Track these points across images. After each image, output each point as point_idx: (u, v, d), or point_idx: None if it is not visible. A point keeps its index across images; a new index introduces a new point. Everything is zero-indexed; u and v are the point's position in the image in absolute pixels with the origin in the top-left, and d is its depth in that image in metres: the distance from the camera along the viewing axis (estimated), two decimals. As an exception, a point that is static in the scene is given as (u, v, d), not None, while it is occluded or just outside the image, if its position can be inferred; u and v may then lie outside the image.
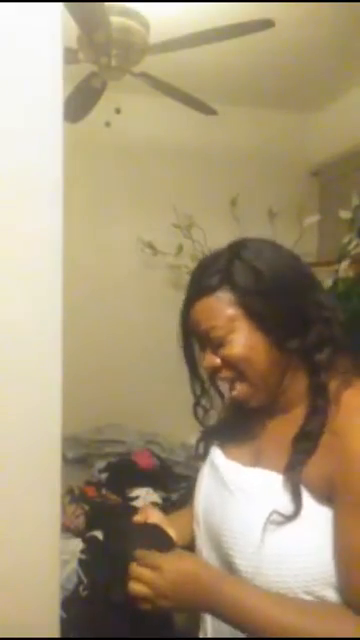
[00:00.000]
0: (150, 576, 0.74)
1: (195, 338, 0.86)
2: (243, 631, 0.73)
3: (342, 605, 0.71)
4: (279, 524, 0.72)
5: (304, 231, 2.79)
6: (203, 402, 0.92)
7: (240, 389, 0.81)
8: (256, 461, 0.81)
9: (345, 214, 2.59)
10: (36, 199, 0.77)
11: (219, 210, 2.87)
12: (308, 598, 0.72)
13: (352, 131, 2.70)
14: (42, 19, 0.75)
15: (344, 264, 2.52)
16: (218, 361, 0.81)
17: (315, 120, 3.08)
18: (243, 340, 0.77)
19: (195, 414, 0.94)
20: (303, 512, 0.72)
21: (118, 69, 1.87)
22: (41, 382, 0.78)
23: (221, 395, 0.92)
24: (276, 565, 0.72)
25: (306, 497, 0.73)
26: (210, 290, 0.79)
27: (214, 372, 0.84)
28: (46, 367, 0.79)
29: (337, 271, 2.53)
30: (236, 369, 0.79)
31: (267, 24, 1.69)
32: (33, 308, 0.77)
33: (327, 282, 2.47)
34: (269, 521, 0.72)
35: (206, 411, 0.93)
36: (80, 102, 2.07)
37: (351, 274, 2.53)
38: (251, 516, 0.75)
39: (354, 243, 2.55)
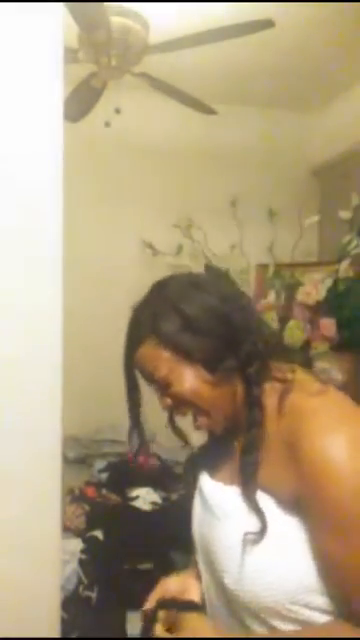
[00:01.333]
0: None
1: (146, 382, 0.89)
2: None
3: (338, 623, 0.72)
4: (254, 542, 0.73)
5: (304, 231, 2.79)
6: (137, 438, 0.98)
7: (201, 420, 0.85)
8: (232, 479, 0.82)
9: (345, 214, 2.59)
10: (36, 198, 0.77)
11: (219, 210, 2.86)
12: (294, 607, 0.73)
13: (352, 131, 2.70)
14: (42, 19, 0.75)
15: (344, 264, 2.52)
16: (169, 401, 0.86)
17: (315, 120, 3.07)
18: (182, 376, 0.81)
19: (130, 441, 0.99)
20: (275, 525, 0.73)
21: (118, 69, 1.87)
22: (41, 383, 0.78)
23: (178, 434, 1.00)
24: (259, 580, 0.74)
25: (275, 510, 0.74)
26: (140, 341, 0.84)
27: (172, 410, 0.89)
28: (46, 367, 0.79)
29: (337, 271, 2.53)
30: (188, 404, 0.83)
31: (267, 24, 1.69)
32: (34, 308, 0.77)
33: (327, 282, 2.47)
34: (245, 540, 0.74)
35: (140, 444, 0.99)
36: (80, 102, 2.07)
37: (351, 274, 2.53)
38: (230, 536, 0.77)
39: (354, 243, 2.55)
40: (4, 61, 0.74)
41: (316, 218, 2.85)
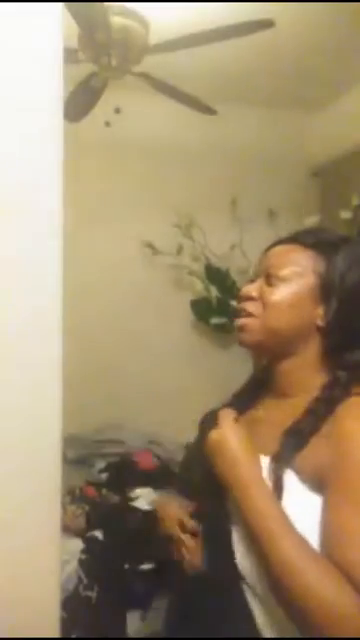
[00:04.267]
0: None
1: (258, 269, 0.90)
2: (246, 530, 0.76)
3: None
4: None
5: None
6: None
7: (246, 336, 0.85)
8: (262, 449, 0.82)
9: (345, 214, 2.60)
10: (36, 199, 0.77)
11: (219, 210, 2.87)
12: None
13: (352, 131, 2.70)
14: (42, 19, 0.75)
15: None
16: (254, 294, 0.86)
17: (315, 120, 3.07)
18: (296, 295, 0.82)
19: None
20: (290, 496, 0.74)
21: (118, 69, 1.87)
22: (41, 382, 0.78)
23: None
24: None
25: (295, 482, 0.75)
26: (304, 244, 0.85)
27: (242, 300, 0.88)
28: (46, 366, 0.79)
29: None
30: (264, 310, 0.84)
31: (267, 24, 1.69)
32: (33, 308, 0.77)
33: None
34: None
35: None
36: (80, 102, 2.07)
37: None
38: None
39: (354, 243, 2.55)
40: (3, 61, 0.74)
41: (316, 218, 2.85)
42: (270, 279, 0.85)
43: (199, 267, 2.87)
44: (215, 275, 2.87)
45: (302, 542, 0.71)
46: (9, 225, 0.75)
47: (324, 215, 2.89)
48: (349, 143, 2.71)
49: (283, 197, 2.91)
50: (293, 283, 0.82)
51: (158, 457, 2.60)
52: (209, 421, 0.88)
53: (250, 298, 0.86)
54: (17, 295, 0.76)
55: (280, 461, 0.76)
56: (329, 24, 2.17)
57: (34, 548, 0.79)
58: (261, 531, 0.72)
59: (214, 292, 2.82)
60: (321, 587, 0.66)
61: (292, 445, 0.77)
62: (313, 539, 0.72)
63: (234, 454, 0.79)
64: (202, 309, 2.88)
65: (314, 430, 0.77)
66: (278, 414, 0.84)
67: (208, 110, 2.20)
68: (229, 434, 0.81)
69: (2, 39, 0.73)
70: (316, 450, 0.75)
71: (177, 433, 2.80)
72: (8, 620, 0.78)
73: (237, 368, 3.04)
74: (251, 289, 0.86)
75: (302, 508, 0.74)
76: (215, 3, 1.97)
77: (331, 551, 0.70)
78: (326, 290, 0.81)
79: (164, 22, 1.93)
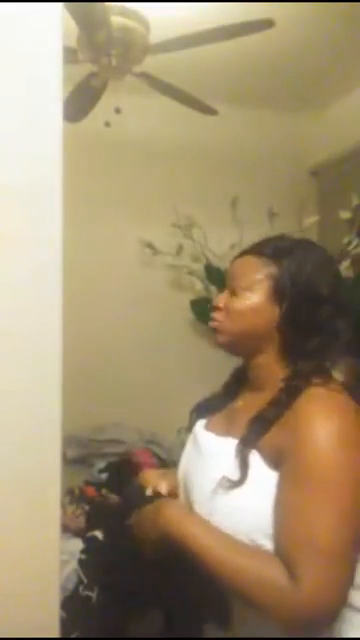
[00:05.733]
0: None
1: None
2: (190, 558, 0.85)
3: (271, 554, 0.81)
4: (229, 487, 0.85)
5: (304, 231, 2.79)
6: None
7: (220, 337, 0.99)
8: (227, 432, 0.94)
9: (345, 214, 2.60)
10: (36, 199, 0.77)
11: (219, 210, 2.86)
12: (251, 544, 0.83)
13: (352, 131, 2.70)
14: (42, 19, 0.75)
15: (344, 264, 2.52)
16: (220, 304, 0.99)
17: (315, 120, 3.07)
18: (251, 295, 0.93)
19: None
20: (254, 474, 0.84)
21: (118, 69, 1.87)
22: (41, 382, 0.78)
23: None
24: (226, 516, 0.85)
25: (258, 462, 0.85)
26: (248, 252, 0.98)
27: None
28: (46, 366, 0.79)
29: (337, 271, 2.53)
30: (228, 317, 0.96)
31: (267, 24, 1.69)
32: (33, 308, 0.78)
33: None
34: (220, 482, 0.85)
35: None
36: (80, 102, 2.07)
37: (351, 274, 2.53)
38: (209, 474, 0.89)
39: (354, 243, 2.55)
40: (3, 61, 0.74)
41: (316, 218, 2.85)
42: (234, 289, 0.96)
43: (199, 267, 2.87)
44: (215, 275, 2.86)
45: (234, 546, 0.82)
46: (9, 225, 0.75)
47: (323, 215, 2.89)
48: (349, 143, 2.71)
49: (283, 197, 2.91)
50: (252, 290, 0.93)
51: (158, 457, 2.60)
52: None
53: (217, 308, 1.00)
54: (17, 295, 0.76)
55: (246, 444, 0.87)
56: (329, 24, 2.17)
57: (34, 548, 0.79)
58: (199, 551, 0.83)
59: (214, 292, 2.82)
60: (256, 577, 0.78)
61: (256, 431, 0.87)
62: (269, 510, 0.82)
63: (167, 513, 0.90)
64: (202, 309, 2.88)
65: (276, 418, 0.86)
66: (252, 405, 0.93)
67: (208, 110, 2.20)
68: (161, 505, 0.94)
69: (2, 39, 0.73)
70: (278, 434, 0.85)
71: (177, 433, 2.81)
72: (8, 620, 0.78)
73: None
74: (218, 300, 1.00)
75: (264, 484, 0.83)
76: (215, 3, 1.97)
77: (277, 528, 0.80)
78: (279, 292, 0.91)
79: (164, 22, 1.93)
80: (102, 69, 1.88)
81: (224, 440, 0.92)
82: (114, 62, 1.83)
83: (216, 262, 2.87)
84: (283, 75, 2.63)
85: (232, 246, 2.84)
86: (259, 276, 0.92)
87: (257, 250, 0.97)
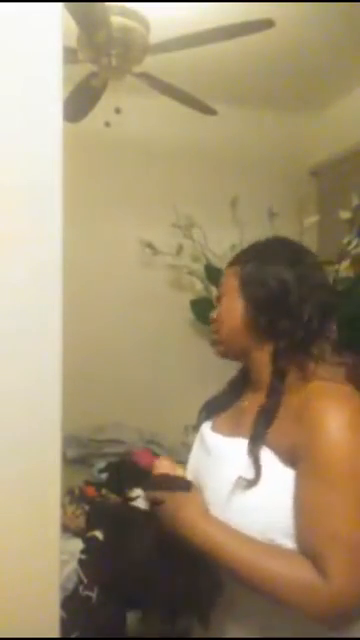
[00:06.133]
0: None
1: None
2: (213, 560, 0.87)
3: (300, 556, 0.81)
4: (245, 487, 0.85)
5: (304, 231, 2.79)
6: None
7: (218, 348, 1.05)
8: (234, 432, 0.96)
9: (345, 214, 2.59)
10: (35, 199, 0.77)
11: (219, 210, 2.86)
12: (268, 543, 0.83)
13: (352, 131, 2.70)
14: (42, 19, 0.75)
15: (344, 264, 2.52)
16: (214, 316, 1.04)
17: (315, 120, 3.07)
18: (228, 304, 0.99)
19: None
20: (269, 473, 0.85)
21: (118, 69, 1.87)
22: (41, 382, 0.78)
23: None
24: (242, 516, 0.85)
25: (273, 459, 0.86)
26: (231, 263, 1.03)
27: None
28: (46, 367, 0.79)
29: (337, 271, 2.53)
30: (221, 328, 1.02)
31: (267, 24, 1.69)
32: (33, 309, 0.78)
33: (327, 282, 2.47)
34: (237, 483, 0.86)
35: None
36: (80, 102, 2.07)
37: (351, 274, 2.53)
38: (223, 476, 0.89)
39: (354, 243, 2.55)
40: (3, 61, 0.74)
41: (316, 218, 2.85)
42: (219, 300, 1.04)
43: (199, 267, 2.87)
44: (215, 275, 2.86)
45: (259, 549, 0.83)
46: (9, 225, 0.75)
47: (323, 215, 2.89)
48: (349, 143, 2.71)
49: (283, 197, 2.91)
50: (227, 296, 0.99)
51: (158, 457, 2.59)
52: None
53: (212, 320, 1.05)
54: (17, 295, 0.76)
55: (255, 441, 0.88)
56: (329, 24, 2.17)
57: (34, 548, 0.79)
58: (226, 556, 0.84)
59: (214, 292, 2.81)
60: (287, 579, 0.79)
61: (262, 425, 0.89)
62: (288, 508, 0.82)
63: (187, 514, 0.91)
64: (202, 309, 2.88)
65: (276, 406, 0.89)
66: (256, 404, 0.95)
67: (208, 110, 2.20)
68: (180, 509, 0.93)
69: (2, 39, 0.73)
70: (289, 429, 0.85)
71: (177, 433, 2.80)
72: (8, 620, 0.78)
73: (236, 368, 3.05)
74: (213, 313, 1.06)
75: (280, 482, 0.84)
76: (215, 3, 1.97)
77: (300, 526, 0.80)
78: (242, 290, 0.96)
79: (164, 22, 1.92)
80: (102, 69, 1.88)
81: (233, 440, 0.93)
82: (114, 62, 1.83)
83: (216, 262, 2.87)
84: (283, 75, 2.63)
85: (232, 246, 2.84)
86: (230, 282, 0.99)
87: (234, 260, 1.03)
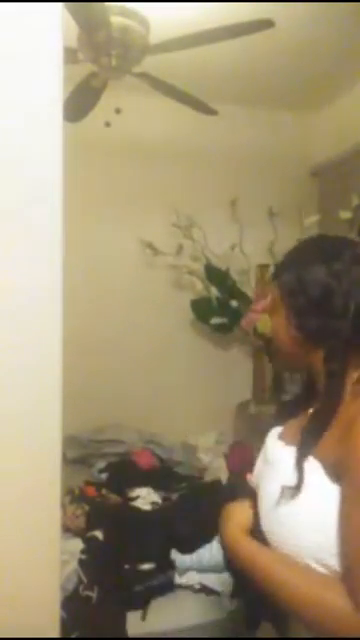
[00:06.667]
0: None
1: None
2: (253, 582, 0.86)
3: (333, 577, 0.78)
4: (289, 495, 0.82)
5: (304, 231, 2.79)
6: None
7: (273, 360, 1.05)
8: (293, 440, 0.90)
9: (345, 214, 2.60)
10: (36, 199, 0.77)
11: (219, 210, 2.87)
12: (311, 563, 0.79)
13: (352, 131, 2.70)
14: (42, 19, 0.75)
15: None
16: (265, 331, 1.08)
17: (315, 120, 3.08)
18: (275, 319, 0.96)
19: None
20: (313, 484, 0.81)
21: (118, 69, 1.86)
22: (41, 382, 0.78)
23: None
24: (286, 528, 0.83)
25: (318, 471, 0.81)
26: (273, 275, 1.00)
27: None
28: (46, 367, 0.79)
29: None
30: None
31: (267, 24, 1.69)
32: (33, 308, 0.77)
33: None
34: (282, 491, 0.83)
35: None
36: (80, 102, 2.07)
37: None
38: (273, 484, 0.86)
39: (354, 243, 2.55)
40: (3, 61, 0.74)
41: (316, 218, 2.85)
42: (270, 316, 1.01)
43: (199, 267, 2.87)
44: (215, 275, 2.87)
45: (301, 575, 0.80)
46: (9, 225, 0.75)
47: (324, 215, 2.89)
48: (349, 143, 2.71)
49: (283, 197, 2.91)
50: (274, 312, 0.96)
51: (158, 457, 2.60)
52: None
53: (266, 335, 1.10)
54: (17, 296, 0.76)
55: (302, 449, 0.84)
56: (329, 24, 2.17)
57: (34, 548, 0.79)
58: (272, 585, 0.83)
59: (214, 292, 2.82)
60: (319, 604, 0.76)
61: (310, 432, 0.85)
62: (332, 524, 0.77)
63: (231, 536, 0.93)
64: (202, 309, 2.88)
65: (327, 418, 0.83)
66: None
67: (208, 110, 2.19)
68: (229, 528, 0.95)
69: (2, 39, 0.73)
70: (337, 444, 0.80)
71: (177, 433, 2.81)
72: (8, 620, 0.78)
73: (236, 368, 3.06)
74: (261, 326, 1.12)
75: (324, 496, 0.79)
76: (215, 3, 1.97)
77: (341, 546, 0.76)
78: (285, 304, 0.92)
79: (164, 22, 1.92)
80: (102, 69, 1.88)
81: (288, 449, 0.90)
82: (114, 62, 1.82)
83: (216, 262, 2.87)
84: (283, 75, 2.63)
85: (232, 246, 2.85)
86: (274, 296, 0.96)
87: (272, 274, 1.01)
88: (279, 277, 0.94)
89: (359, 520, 0.74)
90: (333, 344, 0.86)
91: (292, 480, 0.82)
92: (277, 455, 0.93)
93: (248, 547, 0.88)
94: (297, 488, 0.81)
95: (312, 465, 0.82)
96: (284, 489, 0.82)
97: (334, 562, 0.78)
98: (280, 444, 0.95)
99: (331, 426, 0.83)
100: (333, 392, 0.84)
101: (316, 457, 0.82)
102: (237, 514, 0.96)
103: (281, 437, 0.98)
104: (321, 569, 0.79)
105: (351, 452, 0.76)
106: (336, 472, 0.79)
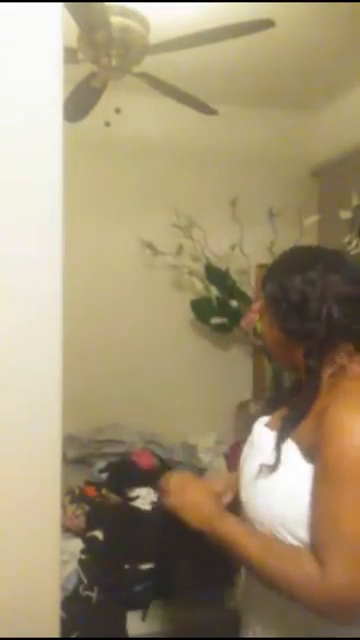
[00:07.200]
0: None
1: None
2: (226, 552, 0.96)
3: (304, 550, 0.87)
4: (267, 472, 0.93)
5: (304, 231, 2.79)
6: None
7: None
8: (276, 426, 1.01)
9: (345, 214, 2.60)
10: (36, 199, 0.77)
11: (219, 210, 2.86)
12: (282, 532, 0.90)
13: (352, 131, 2.70)
14: (42, 19, 0.75)
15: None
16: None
17: (315, 120, 3.08)
18: (263, 322, 1.09)
19: None
20: (291, 465, 0.91)
21: (118, 69, 1.87)
22: (41, 382, 0.78)
23: None
24: (263, 499, 0.94)
25: (295, 452, 0.92)
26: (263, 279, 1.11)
27: None
28: (46, 367, 0.79)
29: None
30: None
31: (267, 24, 1.69)
32: (33, 309, 0.78)
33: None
34: (260, 468, 0.94)
35: None
36: (80, 102, 2.07)
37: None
38: (255, 462, 0.97)
39: (354, 243, 2.55)
40: (3, 61, 0.74)
41: (316, 218, 2.85)
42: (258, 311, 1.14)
43: (199, 267, 2.87)
44: (215, 275, 2.87)
45: (266, 543, 0.92)
46: (9, 225, 0.76)
47: (324, 215, 2.89)
48: (349, 143, 2.71)
49: (283, 197, 2.91)
50: (263, 319, 1.09)
51: (158, 457, 2.60)
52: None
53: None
54: (18, 295, 0.76)
55: (281, 432, 0.95)
56: (329, 24, 2.17)
57: (34, 548, 0.79)
58: (240, 551, 0.93)
59: (214, 292, 2.82)
60: (289, 573, 0.86)
61: (289, 419, 0.97)
62: (304, 498, 0.88)
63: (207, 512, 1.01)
64: (202, 309, 2.88)
65: (306, 403, 0.95)
66: None
67: (208, 110, 2.20)
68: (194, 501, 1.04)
69: (2, 39, 0.73)
70: (312, 427, 0.91)
71: (177, 433, 2.81)
72: (8, 620, 0.78)
73: (236, 368, 3.06)
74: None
75: (299, 474, 0.89)
76: (215, 3, 1.97)
77: (311, 519, 0.86)
78: (269, 311, 1.05)
79: (164, 22, 1.93)
80: (102, 69, 1.88)
81: (273, 433, 1.00)
82: (114, 62, 1.82)
83: (216, 262, 2.87)
84: (283, 75, 2.63)
85: (232, 246, 2.85)
86: (263, 305, 1.08)
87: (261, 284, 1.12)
88: (264, 286, 1.06)
89: (326, 496, 0.84)
90: (310, 343, 0.96)
91: (271, 459, 0.93)
92: (261, 439, 1.04)
93: (229, 523, 0.97)
94: (275, 465, 0.92)
95: (290, 446, 0.93)
96: (263, 466, 0.93)
97: (304, 534, 0.87)
98: (266, 430, 1.06)
99: (308, 414, 0.94)
100: (311, 385, 0.96)
101: (294, 440, 0.93)
102: (205, 488, 1.07)
103: (267, 425, 1.08)
104: (291, 539, 0.89)
105: (322, 437, 0.86)
106: (310, 454, 0.89)
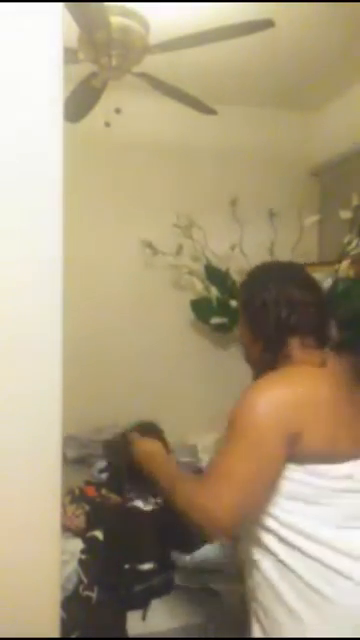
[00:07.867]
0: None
1: None
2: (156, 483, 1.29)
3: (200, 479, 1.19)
4: None
5: (304, 231, 2.79)
6: None
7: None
8: None
9: (345, 214, 2.60)
10: (36, 199, 0.77)
11: (219, 210, 2.86)
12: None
13: (352, 131, 2.70)
14: (42, 19, 0.75)
15: (344, 264, 2.53)
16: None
17: (315, 120, 3.08)
18: (240, 323, 1.36)
19: None
20: None
21: (118, 69, 1.87)
22: (41, 382, 0.78)
23: None
24: None
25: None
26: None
27: None
28: (46, 367, 0.79)
29: (337, 271, 2.53)
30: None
31: (267, 24, 1.69)
32: (33, 309, 0.78)
33: (327, 282, 2.47)
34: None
35: None
36: (80, 102, 2.07)
37: (351, 274, 2.53)
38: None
39: (354, 243, 2.56)
40: (3, 61, 0.74)
41: (316, 218, 2.85)
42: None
43: (199, 267, 2.87)
44: (215, 275, 2.87)
45: (182, 477, 1.22)
46: (9, 224, 0.76)
47: (324, 215, 2.89)
48: (349, 143, 2.71)
49: (283, 197, 2.91)
50: (239, 321, 1.38)
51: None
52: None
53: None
54: (18, 295, 0.76)
55: None
56: (329, 24, 2.17)
57: (34, 548, 0.79)
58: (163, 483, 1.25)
59: (214, 292, 2.82)
60: (193, 501, 1.11)
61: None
62: None
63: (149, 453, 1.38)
64: (202, 309, 2.88)
65: None
66: None
67: (208, 110, 2.20)
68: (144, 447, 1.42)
69: (2, 39, 0.73)
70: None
71: (177, 433, 2.80)
72: (8, 620, 0.78)
73: (236, 368, 3.06)
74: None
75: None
76: (215, 3, 1.97)
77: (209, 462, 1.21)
78: (242, 314, 1.35)
79: (164, 22, 1.93)
80: (102, 69, 1.88)
81: None
82: (114, 62, 1.83)
83: (216, 262, 2.87)
84: (283, 75, 2.63)
85: (232, 246, 2.85)
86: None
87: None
88: (239, 294, 1.35)
89: (223, 445, 1.13)
90: (266, 342, 1.22)
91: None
92: None
93: (166, 465, 1.30)
94: None
95: None
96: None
97: None
98: None
99: None
100: (264, 371, 1.18)
101: None
102: (158, 444, 1.40)
103: None
104: None
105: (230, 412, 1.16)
106: None
